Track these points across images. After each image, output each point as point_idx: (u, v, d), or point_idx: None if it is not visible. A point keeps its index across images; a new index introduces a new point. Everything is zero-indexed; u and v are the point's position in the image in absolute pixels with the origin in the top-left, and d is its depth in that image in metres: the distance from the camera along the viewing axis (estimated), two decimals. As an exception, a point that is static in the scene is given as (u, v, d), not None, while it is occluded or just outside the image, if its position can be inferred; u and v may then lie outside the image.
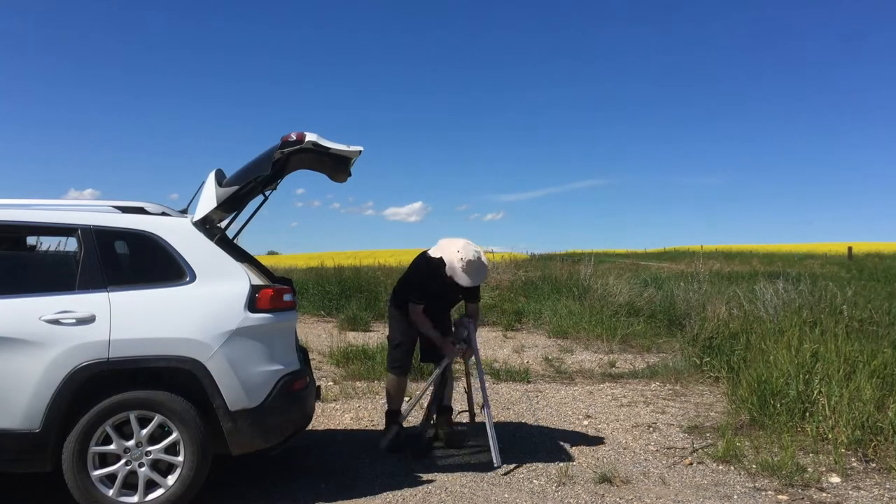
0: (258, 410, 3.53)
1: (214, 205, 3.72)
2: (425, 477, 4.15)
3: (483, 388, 4.58)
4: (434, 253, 4.45)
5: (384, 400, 5.98)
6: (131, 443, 3.39)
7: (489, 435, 4.32)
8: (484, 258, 4.39)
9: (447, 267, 4.33)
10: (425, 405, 4.92)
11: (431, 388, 4.71)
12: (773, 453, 4.45)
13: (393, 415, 4.70)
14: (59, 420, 3.31)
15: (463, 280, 4.30)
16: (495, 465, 4.23)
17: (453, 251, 4.33)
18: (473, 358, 4.64)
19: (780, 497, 3.87)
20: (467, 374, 4.71)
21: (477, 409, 4.84)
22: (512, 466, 4.34)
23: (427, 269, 4.46)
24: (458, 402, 5.09)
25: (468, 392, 4.69)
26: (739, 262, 26.68)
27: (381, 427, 5.19)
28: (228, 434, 3.49)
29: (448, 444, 4.73)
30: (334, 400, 6.08)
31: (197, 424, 3.42)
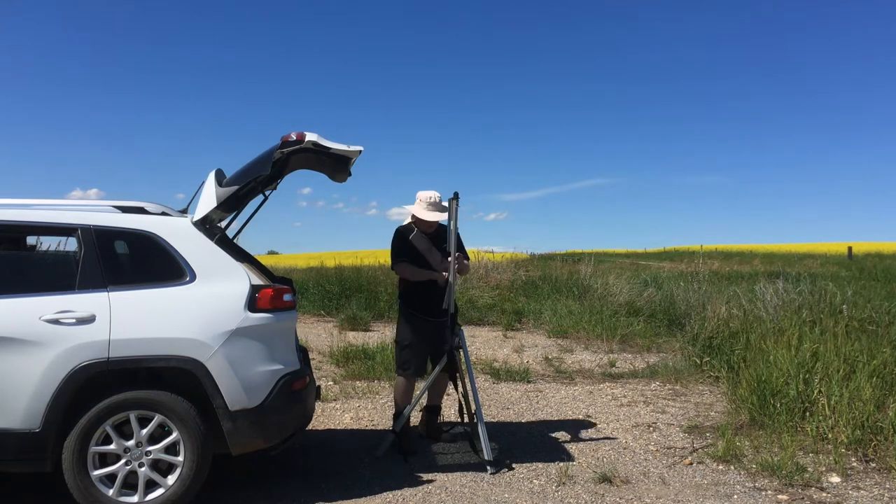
0: (258, 410, 3.53)
1: (214, 205, 3.72)
2: (425, 477, 4.15)
3: (473, 386, 4.55)
4: (406, 222, 4.81)
5: (384, 400, 5.99)
6: (131, 443, 3.39)
7: (480, 434, 4.33)
8: (440, 198, 4.68)
9: (415, 219, 4.70)
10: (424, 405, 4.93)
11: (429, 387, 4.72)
12: (773, 453, 4.46)
13: (399, 420, 4.64)
14: (60, 420, 3.30)
15: (430, 216, 4.62)
16: (486, 459, 4.24)
17: (414, 205, 4.70)
18: (464, 357, 4.64)
19: (780, 497, 3.87)
20: (461, 376, 4.70)
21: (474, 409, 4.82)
22: (512, 466, 4.35)
23: (404, 234, 4.71)
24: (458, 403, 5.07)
25: (465, 394, 4.69)
26: (739, 261, 26.70)
27: (381, 427, 5.20)
28: (228, 434, 3.49)
29: (435, 441, 4.81)
30: (334, 400, 6.08)
31: (197, 424, 3.42)
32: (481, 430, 4.34)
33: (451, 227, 4.46)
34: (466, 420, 4.76)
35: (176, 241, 3.63)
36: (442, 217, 4.62)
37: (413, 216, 4.72)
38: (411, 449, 4.56)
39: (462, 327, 4.68)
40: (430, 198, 4.62)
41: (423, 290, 4.61)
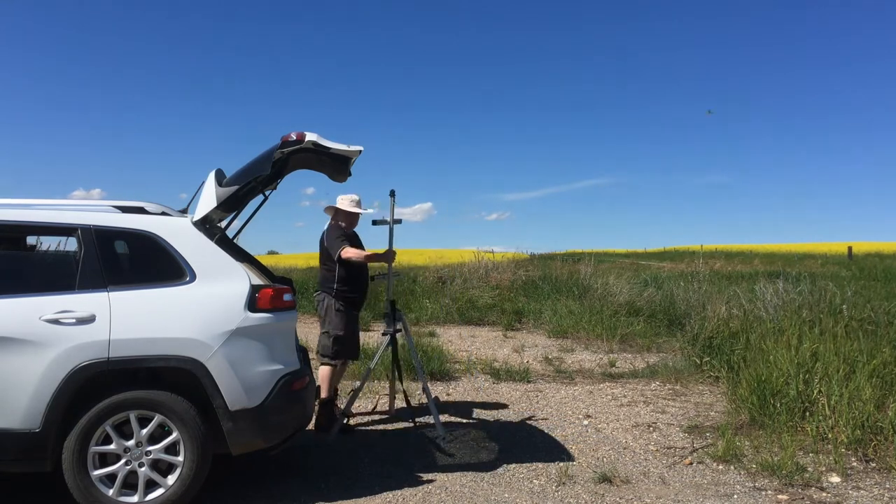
0: (258, 410, 3.53)
1: (214, 204, 3.72)
2: (425, 477, 4.15)
3: (418, 364, 5.23)
4: (330, 221, 5.15)
5: (384, 400, 6.00)
6: (131, 442, 3.39)
7: (430, 408, 4.85)
8: (360, 199, 5.16)
9: (344, 215, 5.09)
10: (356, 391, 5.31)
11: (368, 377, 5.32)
12: (773, 453, 4.46)
13: (328, 405, 5.04)
14: (60, 420, 3.30)
15: (357, 208, 5.07)
16: (439, 434, 4.75)
17: (340, 203, 5.08)
18: (406, 341, 5.28)
19: (780, 497, 3.87)
20: (401, 361, 5.29)
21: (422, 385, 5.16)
22: (511, 466, 4.35)
23: (335, 232, 5.02)
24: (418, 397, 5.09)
25: (391, 382, 5.29)
26: (740, 261, 26.70)
27: (381, 427, 5.21)
28: (228, 434, 3.49)
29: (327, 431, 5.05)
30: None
31: (197, 424, 3.42)
32: (431, 405, 4.85)
33: (390, 220, 5.04)
34: (414, 404, 5.38)
35: (176, 241, 3.63)
36: (362, 212, 5.11)
37: (337, 212, 5.07)
38: (332, 427, 4.88)
39: (402, 311, 5.17)
40: (353, 198, 5.09)
41: (357, 287, 5.09)
